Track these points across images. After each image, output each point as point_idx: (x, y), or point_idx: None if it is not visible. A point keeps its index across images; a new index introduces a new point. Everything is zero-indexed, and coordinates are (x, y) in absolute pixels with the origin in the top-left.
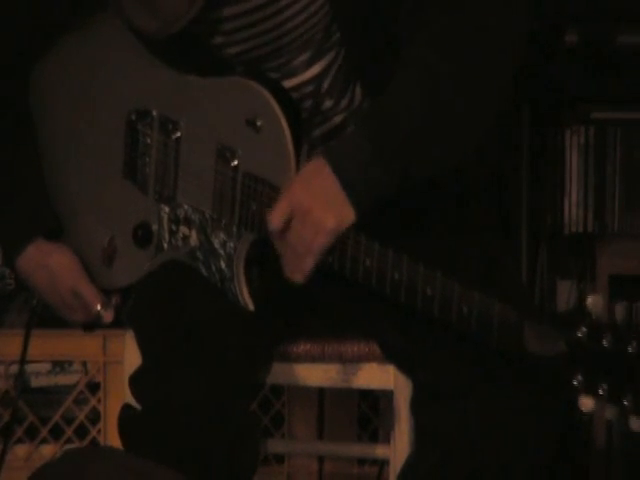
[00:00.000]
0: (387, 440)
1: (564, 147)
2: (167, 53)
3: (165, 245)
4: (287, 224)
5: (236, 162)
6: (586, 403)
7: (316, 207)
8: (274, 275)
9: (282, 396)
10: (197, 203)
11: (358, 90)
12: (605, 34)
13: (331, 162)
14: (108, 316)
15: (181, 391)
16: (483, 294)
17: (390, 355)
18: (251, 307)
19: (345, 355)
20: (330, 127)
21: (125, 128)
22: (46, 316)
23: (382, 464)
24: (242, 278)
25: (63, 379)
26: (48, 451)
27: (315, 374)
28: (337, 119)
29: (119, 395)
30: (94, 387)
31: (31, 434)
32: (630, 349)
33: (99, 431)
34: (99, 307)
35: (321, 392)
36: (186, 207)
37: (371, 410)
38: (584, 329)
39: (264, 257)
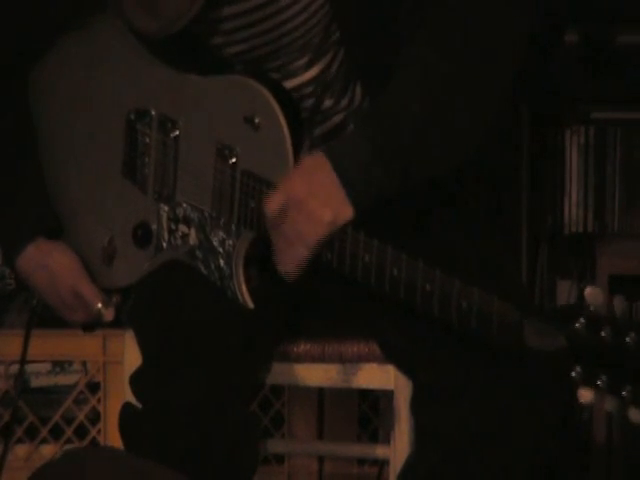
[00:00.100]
0: (387, 440)
1: (564, 147)
2: (166, 53)
3: (164, 244)
4: (283, 213)
5: (235, 160)
6: (585, 395)
7: (313, 199)
8: (274, 274)
9: (282, 396)
10: (196, 202)
11: (358, 90)
12: (605, 34)
13: (332, 161)
14: (108, 316)
15: (181, 391)
16: (483, 291)
17: (390, 355)
18: (250, 305)
19: (345, 355)
20: (330, 126)
21: (124, 128)
22: (46, 316)
23: (382, 464)
24: (241, 276)
25: (63, 379)
26: (48, 451)
27: (315, 374)
28: (337, 118)
29: (119, 395)
30: (94, 387)
31: (31, 434)
32: (629, 340)
33: (99, 431)
34: (99, 307)
35: (321, 392)
36: (185, 206)
37: (371, 410)
38: (583, 321)
39: (263, 255)
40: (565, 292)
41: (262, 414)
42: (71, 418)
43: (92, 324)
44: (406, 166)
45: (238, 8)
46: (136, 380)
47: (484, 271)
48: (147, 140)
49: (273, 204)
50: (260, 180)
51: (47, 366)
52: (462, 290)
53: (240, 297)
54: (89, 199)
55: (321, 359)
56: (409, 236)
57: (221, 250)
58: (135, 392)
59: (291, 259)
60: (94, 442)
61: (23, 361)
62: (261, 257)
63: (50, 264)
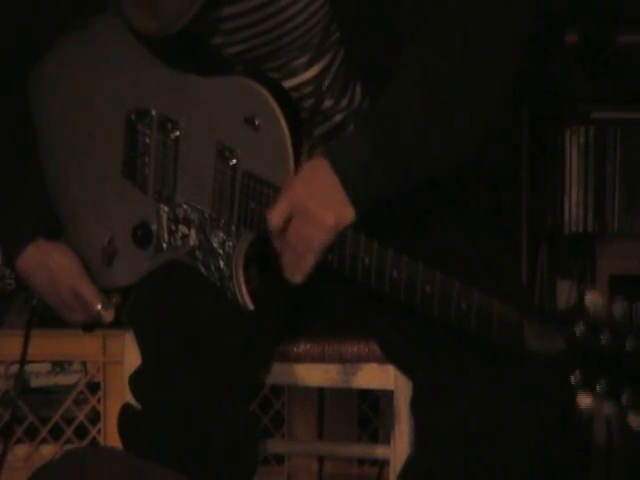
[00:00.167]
0: (387, 440)
1: (564, 147)
2: (167, 53)
3: (164, 245)
4: (287, 223)
5: (235, 161)
6: (584, 400)
7: (316, 205)
8: (273, 274)
9: (282, 396)
10: (196, 202)
11: (358, 89)
12: (605, 34)
13: (331, 161)
14: (108, 316)
15: (181, 391)
16: (482, 292)
17: (390, 355)
18: (250, 306)
19: (345, 355)
20: (330, 126)
21: (125, 128)
22: (46, 316)
23: (382, 464)
24: (241, 277)
25: (63, 379)
26: (48, 451)
27: (315, 374)
28: (337, 118)
29: (119, 395)
30: (94, 387)
31: (31, 434)
32: (628, 346)
33: (99, 431)
34: (99, 307)
35: (321, 392)
36: (185, 206)
37: (371, 410)
38: (582, 326)
39: (263, 256)
40: (565, 292)
41: (262, 414)
42: (71, 418)
43: (92, 324)
44: (406, 166)
45: (238, 8)
46: (136, 380)
47: (484, 271)
48: (147, 140)
49: (276, 214)
50: (260, 181)
51: (47, 366)
52: (462, 291)
53: (240, 298)
54: (89, 199)
55: (321, 359)
56: (409, 236)
57: (221, 251)
58: (135, 392)
59: (298, 268)
60: (94, 442)
61: (23, 361)
62: (261, 258)
63: (50, 264)
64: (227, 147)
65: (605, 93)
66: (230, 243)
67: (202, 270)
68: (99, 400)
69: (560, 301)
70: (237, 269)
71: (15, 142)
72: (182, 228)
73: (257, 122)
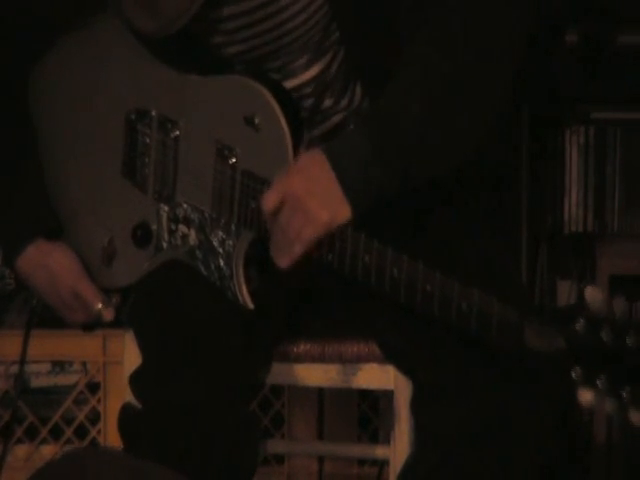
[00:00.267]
0: (387, 440)
1: (564, 147)
2: (166, 53)
3: (164, 245)
4: (280, 210)
5: (235, 160)
6: (585, 396)
7: (310, 199)
8: (273, 274)
9: (282, 396)
10: (196, 202)
11: (358, 89)
12: (605, 34)
13: (331, 160)
14: (108, 316)
15: (181, 391)
16: (482, 292)
17: (390, 355)
18: (250, 306)
19: (345, 355)
20: (330, 126)
21: (124, 128)
22: (46, 316)
23: (382, 464)
24: (241, 276)
25: (63, 379)
26: (48, 451)
27: (315, 374)
28: (337, 118)
29: (119, 395)
30: (94, 387)
31: (31, 434)
32: (629, 342)
33: (99, 431)
34: (99, 307)
35: (321, 392)
36: (185, 206)
37: (371, 410)
38: (582, 322)
39: (263, 256)
40: (565, 292)
41: (262, 414)
42: (71, 418)
43: (92, 324)
44: (406, 166)
45: (238, 8)
46: (136, 380)
47: (484, 271)
48: (147, 140)
49: (270, 200)
50: (260, 180)
51: (47, 366)
52: (462, 291)
53: (240, 298)
54: (89, 199)
55: (321, 359)
56: (409, 236)
57: (221, 250)
58: (135, 392)
59: (286, 253)
60: (94, 442)
61: (23, 361)
62: (261, 257)
63: (50, 264)
64: (227, 146)
65: (605, 93)
66: (230, 242)
67: (202, 270)
68: (99, 400)
69: (560, 301)
70: (237, 269)
71: (15, 142)
72: (182, 228)
73: (257, 121)
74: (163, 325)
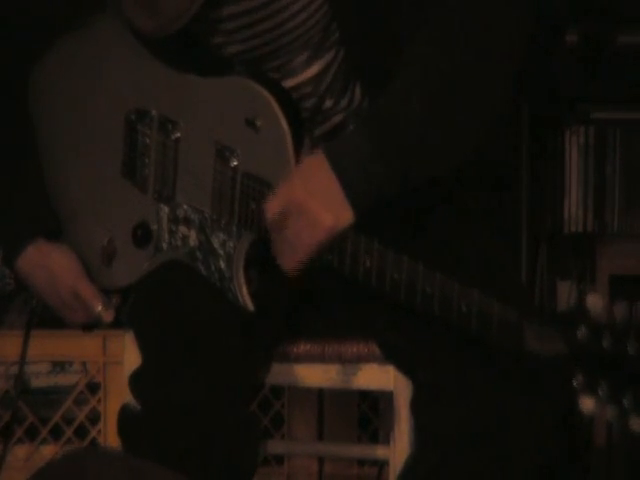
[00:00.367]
0: (387, 441)
1: (564, 147)
2: (166, 53)
3: (164, 245)
4: (283, 216)
5: (235, 162)
6: (586, 403)
7: (313, 204)
8: (274, 275)
9: (282, 396)
10: (196, 203)
11: (358, 90)
12: (605, 34)
13: (331, 161)
14: (108, 316)
15: (181, 391)
16: (482, 292)
17: (390, 355)
18: (251, 307)
19: (345, 355)
20: (330, 127)
21: (124, 128)
22: (46, 316)
23: (382, 465)
24: (241, 278)
25: (63, 379)
26: (48, 451)
27: (315, 374)
28: (337, 119)
29: (119, 395)
30: (94, 387)
31: (31, 434)
32: (630, 349)
33: (99, 431)
34: (99, 307)
35: (321, 393)
36: (185, 207)
37: (371, 411)
38: (584, 329)
39: (264, 257)
40: (565, 292)
41: (262, 414)
42: (71, 418)
43: (92, 324)
44: (406, 166)
45: (238, 8)
46: (136, 380)
47: (484, 271)
48: (147, 141)
49: (273, 207)
50: (261, 182)
51: (47, 366)
52: (462, 292)
53: (241, 299)
54: (89, 199)
55: (321, 359)
56: (409, 236)
57: (221, 252)
58: (135, 392)
59: (291, 261)
60: (94, 442)
61: (23, 361)
62: (261, 259)
63: (50, 265)
64: (227, 147)
65: (605, 93)
66: (231, 244)
67: (202, 270)
68: (99, 400)
69: (560, 301)
70: (238, 270)
71: (15, 142)
72: (182, 228)
73: (258, 123)
74: (163, 325)
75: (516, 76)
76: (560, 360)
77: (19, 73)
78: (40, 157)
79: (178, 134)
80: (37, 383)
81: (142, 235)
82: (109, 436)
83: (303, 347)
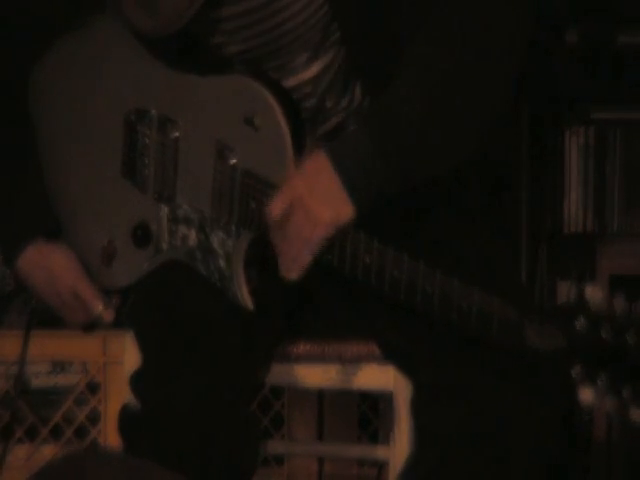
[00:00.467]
0: (387, 441)
1: (564, 147)
2: (166, 53)
3: (164, 245)
4: (286, 217)
5: (235, 161)
6: (585, 394)
7: (314, 201)
8: (273, 274)
9: (282, 397)
10: (196, 202)
11: (358, 90)
12: (605, 34)
13: (332, 160)
14: (108, 316)
15: (181, 391)
16: (482, 292)
17: (390, 355)
18: (251, 306)
19: (345, 355)
20: (330, 127)
21: (124, 128)
22: (46, 316)
23: (381, 465)
24: (241, 277)
25: (63, 380)
26: (48, 451)
27: (315, 375)
28: (337, 119)
29: (119, 396)
30: (94, 387)
31: (31, 434)
32: (629, 340)
33: (99, 431)
34: (99, 307)
35: (321, 393)
36: (185, 207)
37: (371, 411)
38: (582, 319)
39: (263, 256)
40: (565, 292)
41: (262, 415)
42: (71, 418)
43: (92, 325)
44: (407, 165)
45: (238, 8)
46: (136, 380)
47: (484, 271)
48: (147, 140)
49: (276, 209)
50: (260, 181)
51: (47, 367)
52: (462, 291)
53: (240, 298)
54: (89, 199)
55: (321, 359)
56: (409, 236)
57: (221, 251)
58: (135, 392)
59: (294, 262)
60: (94, 442)
61: (23, 362)
62: (261, 258)
63: (50, 265)
64: (227, 147)
65: (605, 93)
66: (230, 243)
67: (202, 270)
68: (99, 400)
69: (560, 301)
70: (237, 269)
71: (15, 142)
72: (182, 228)
73: (257, 122)
74: (163, 325)
75: (516, 76)
76: (560, 355)
77: (19, 73)
78: (40, 157)
79: (177, 133)
80: (37, 383)
81: (142, 235)
82: (109, 436)
83: (303, 347)
